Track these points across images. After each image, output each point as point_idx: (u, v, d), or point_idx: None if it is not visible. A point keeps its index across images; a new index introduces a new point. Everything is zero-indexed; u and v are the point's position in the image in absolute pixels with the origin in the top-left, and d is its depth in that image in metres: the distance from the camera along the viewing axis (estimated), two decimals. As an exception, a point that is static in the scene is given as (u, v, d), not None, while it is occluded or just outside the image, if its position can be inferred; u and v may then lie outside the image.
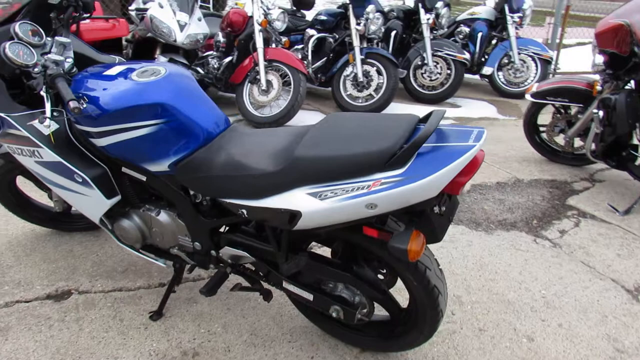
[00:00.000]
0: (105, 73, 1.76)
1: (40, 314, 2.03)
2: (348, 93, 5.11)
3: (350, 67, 5.08)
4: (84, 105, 1.61)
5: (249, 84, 4.70)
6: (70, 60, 1.84)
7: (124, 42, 4.75)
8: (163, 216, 1.87)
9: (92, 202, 1.85)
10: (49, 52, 1.78)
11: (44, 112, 1.69)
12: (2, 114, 1.80)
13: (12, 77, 1.86)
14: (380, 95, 4.96)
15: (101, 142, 1.71)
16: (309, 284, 1.77)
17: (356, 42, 4.98)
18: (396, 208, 1.32)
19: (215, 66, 4.96)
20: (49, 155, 1.78)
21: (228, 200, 1.59)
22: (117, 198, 1.85)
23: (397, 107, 5.39)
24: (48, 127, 1.64)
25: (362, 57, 4.98)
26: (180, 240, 1.91)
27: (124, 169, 1.82)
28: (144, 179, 1.80)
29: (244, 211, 1.57)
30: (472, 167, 1.32)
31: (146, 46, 4.52)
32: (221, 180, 1.58)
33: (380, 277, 1.74)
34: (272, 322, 2.05)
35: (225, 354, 1.88)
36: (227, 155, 1.59)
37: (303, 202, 1.41)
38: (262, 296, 1.92)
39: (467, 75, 5.93)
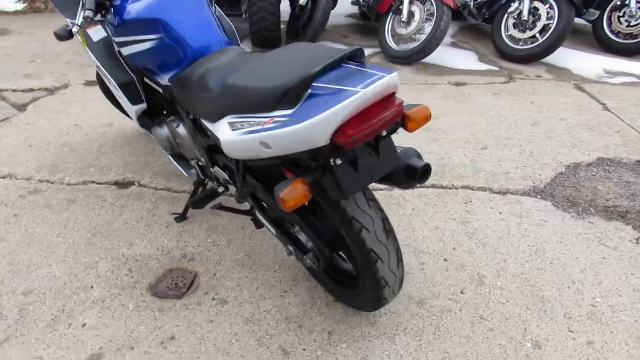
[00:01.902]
0: None
1: (101, 195, 2.43)
2: (509, 34, 4.45)
3: (517, 3, 4.38)
4: (97, 18, 1.77)
5: (393, 14, 4.46)
6: None
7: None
8: (182, 129, 2.01)
9: (125, 105, 2.08)
10: None
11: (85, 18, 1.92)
12: (68, 20, 2.10)
13: None
14: (545, 38, 4.19)
15: (124, 52, 1.88)
16: (274, 218, 1.74)
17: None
18: (289, 152, 1.19)
19: (369, -6, 4.81)
20: (93, 59, 2.03)
21: (202, 120, 1.63)
22: (142, 106, 2.04)
23: (571, 56, 4.51)
24: (72, 29, 1.86)
25: (531, -11, 4.23)
26: (197, 153, 2.03)
27: (146, 80, 1.98)
28: (160, 91, 1.94)
29: (209, 133, 1.59)
30: (370, 117, 1.09)
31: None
32: (193, 99, 1.62)
33: None
34: (271, 250, 2.08)
35: (214, 266, 2.01)
36: (201, 76, 1.61)
37: (222, 130, 1.36)
38: (254, 223, 1.96)
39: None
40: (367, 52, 4.58)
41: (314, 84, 1.15)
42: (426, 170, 1.48)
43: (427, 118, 1.37)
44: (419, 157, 1.53)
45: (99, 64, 2.00)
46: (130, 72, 2.00)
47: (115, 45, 2.00)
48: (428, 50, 4.11)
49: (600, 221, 2.26)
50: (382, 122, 1.14)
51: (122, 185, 2.52)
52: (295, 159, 1.29)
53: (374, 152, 1.28)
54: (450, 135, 2.98)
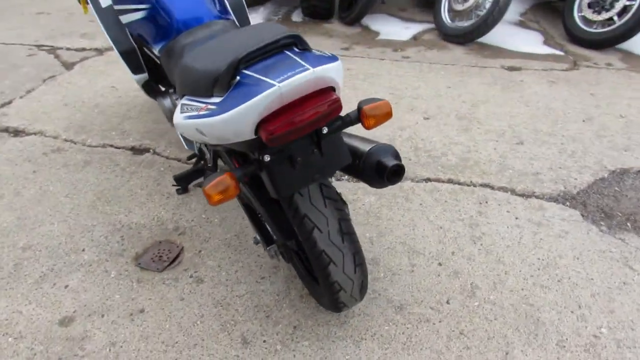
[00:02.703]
0: None
1: (115, 159, 2.49)
2: (582, 14, 3.99)
3: (597, -21, 3.90)
4: None
5: (452, -12, 4.13)
6: None
7: None
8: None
9: (128, 74, 2.08)
10: None
11: None
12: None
13: None
14: (624, 21, 3.70)
15: (123, 20, 1.86)
16: (245, 203, 1.67)
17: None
18: (222, 142, 1.11)
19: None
20: (99, 25, 2.03)
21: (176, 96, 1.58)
22: (143, 75, 2.02)
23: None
24: None
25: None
26: None
27: (144, 49, 1.95)
28: (158, 61, 1.91)
29: None
30: (298, 112, 0.98)
31: None
32: (171, 73, 1.57)
33: None
34: (261, 232, 2.04)
35: (201, 243, 2.00)
36: (178, 50, 1.55)
37: (177, 111, 1.30)
38: None
39: None
40: (420, 28, 4.31)
41: (245, 71, 1.06)
42: (397, 171, 1.35)
43: (388, 115, 1.23)
44: (395, 155, 1.39)
45: (104, 30, 2.01)
46: (132, 41, 1.99)
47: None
48: (483, 28, 3.78)
49: (634, 239, 1.99)
50: (309, 119, 1.03)
51: (138, 151, 2.57)
52: (237, 150, 1.21)
53: (317, 149, 1.16)
54: (485, 126, 2.74)
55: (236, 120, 1.00)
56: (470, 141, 2.60)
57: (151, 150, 2.56)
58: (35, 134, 2.72)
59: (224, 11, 1.80)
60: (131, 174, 2.39)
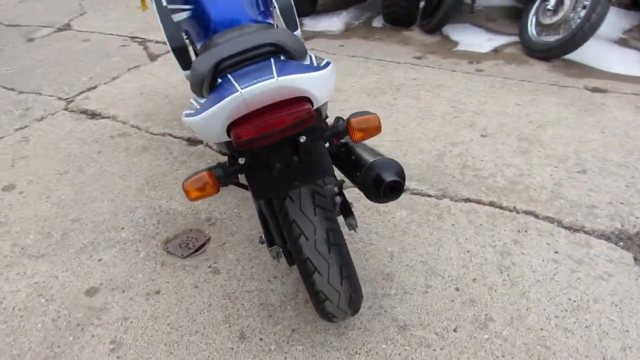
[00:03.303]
0: None
1: (170, 148, 2.67)
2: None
3: None
4: None
5: (539, 0, 3.88)
6: None
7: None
8: None
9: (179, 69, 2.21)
10: None
11: None
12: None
13: None
14: None
15: (174, 18, 1.99)
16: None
17: None
18: (209, 141, 1.15)
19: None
20: (158, 21, 2.19)
21: None
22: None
23: None
24: None
25: None
26: None
27: (193, 47, 2.07)
28: None
29: None
30: (267, 119, 0.99)
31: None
32: None
33: None
34: (285, 232, 2.08)
35: (227, 236, 2.08)
36: (205, 51, 1.63)
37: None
38: None
39: None
40: (503, 40, 4.09)
41: (229, 75, 1.09)
42: (394, 187, 1.32)
43: (376, 129, 1.21)
44: (397, 172, 1.36)
45: (161, 26, 2.16)
46: (184, 39, 2.12)
47: None
48: (571, 45, 3.50)
49: (693, 293, 1.76)
50: (275, 127, 1.04)
51: (192, 142, 2.73)
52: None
53: (297, 156, 1.17)
54: (547, 150, 2.55)
55: (207, 122, 1.05)
56: (525, 164, 2.44)
57: (204, 143, 2.71)
58: (108, 117, 2.99)
59: (265, 15, 1.86)
60: (181, 163, 2.55)
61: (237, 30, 1.70)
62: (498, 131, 2.74)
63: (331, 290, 1.36)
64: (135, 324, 1.72)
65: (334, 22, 4.64)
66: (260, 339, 1.65)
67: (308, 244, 1.31)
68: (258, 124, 1.03)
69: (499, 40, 4.12)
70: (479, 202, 2.21)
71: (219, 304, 1.78)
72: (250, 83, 1.01)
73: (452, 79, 3.40)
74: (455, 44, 4.08)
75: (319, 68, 1.12)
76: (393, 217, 2.14)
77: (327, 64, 1.23)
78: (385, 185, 1.34)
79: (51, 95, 3.30)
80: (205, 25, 1.76)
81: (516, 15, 4.73)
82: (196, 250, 2.03)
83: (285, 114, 1.03)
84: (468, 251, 1.95)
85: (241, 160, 1.16)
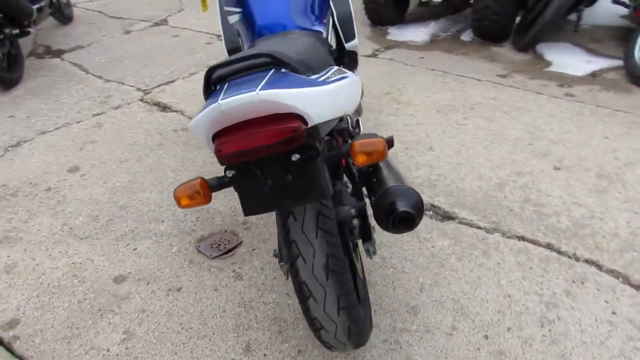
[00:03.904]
0: None
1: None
2: None
3: None
4: None
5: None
6: None
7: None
8: None
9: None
10: None
11: None
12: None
13: None
14: None
15: (229, 20, 2.01)
16: None
17: None
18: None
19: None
20: (219, 22, 2.22)
21: None
22: None
23: None
24: None
25: None
26: None
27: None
28: None
29: None
30: (251, 134, 0.93)
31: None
32: None
33: None
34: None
35: (259, 242, 2.06)
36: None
37: None
38: None
39: None
40: (605, 64, 3.69)
41: (227, 83, 1.05)
42: (405, 218, 1.21)
43: (380, 154, 1.11)
44: (414, 203, 1.25)
45: (221, 29, 2.19)
46: (239, 41, 2.13)
47: None
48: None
49: None
50: (259, 144, 0.98)
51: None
52: None
53: (290, 174, 1.10)
54: (629, 192, 2.25)
55: (194, 131, 1.02)
56: (599, 206, 2.17)
57: (259, 145, 2.73)
58: (177, 111, 3.12)
59: (318, 22, 1.82)
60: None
61: (279, 36, 1.67)
62: (575, 165, 2.46)
63: (327, 319, 1.28)
64: (150, 318, 1.75)
65: (419, 33, 4.48)
66: (264, 355, 1.60)
67: (305, 267, 1.24)
68: (239, 138, 0.98)
69: (600, 64, 3.74)
70: (534, 242, 1.99)
71: (233, 312, 1.76)
72: (232, 94, 0.96)
73: (535, 102, 3.13)
74: (548, 63, 3.76)
75: (321, 83, 1.05)
76: (433, 246, 1.99)
77: (341, 78, 1.16)
78: (396, 215, 1.23)
79: (132, 86, 3.51)
80: (252, 29, 1.76)
81: (623, 37, 4.28)
82: (226, 253, 2.03)
83: (266, 130, 0.97)
84: (509, 296, 1.76)
85: (229, 173, 1.12)
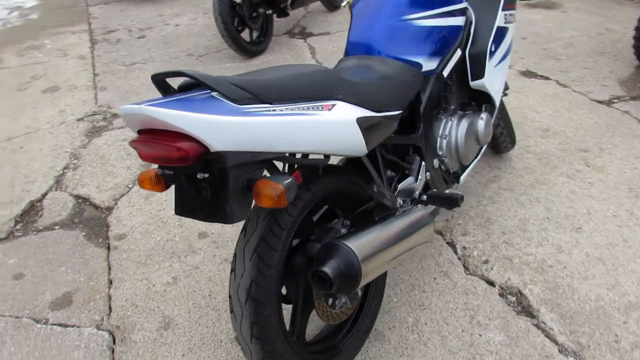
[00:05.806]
0: None
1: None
2: None
3: None
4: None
5: None
6: None
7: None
8: None
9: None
10: None
11: None
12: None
13: None
14: None
15: None
16: None
17: None
18: None
19: None
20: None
21: None
22: None
23: None
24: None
25: None
26: None
27: None
28: None
29: None
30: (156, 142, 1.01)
31: None
32: None
33: None
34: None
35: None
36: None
37: None
38: None
39: None
40: None
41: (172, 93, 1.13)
42: (321, 277, 1.15)
43: (278, 199, 1.05)
44: (345, 268, 1.18)
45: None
46: None
47: None
48: None
49: None
50: (153, 154, 1.04)
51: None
52: None
53: (204, 190, 1.12)
54: None
55: (123, 118, 1.13)
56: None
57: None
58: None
59: (419, 54, 1.67)
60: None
61: (358, 59, 1.65)
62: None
63: (242, 340, 1.30)
64: (195, 276, 2.03)
65: None
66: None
67: (234, 283, 1.28)
68: (139, 143, 1.06)
69: None
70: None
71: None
72: (142, 102, 1.04)
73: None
74: None
75: (244, 114, 1.04)
76: (480, 334, 1.70)
77: (298, 114, 1.12)
78: (315, 270, 1.16)
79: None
80: (346, 45, 1.77)
81: None
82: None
83: (160, 144, 1.02)
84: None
85: (159, 171, 1.21)
